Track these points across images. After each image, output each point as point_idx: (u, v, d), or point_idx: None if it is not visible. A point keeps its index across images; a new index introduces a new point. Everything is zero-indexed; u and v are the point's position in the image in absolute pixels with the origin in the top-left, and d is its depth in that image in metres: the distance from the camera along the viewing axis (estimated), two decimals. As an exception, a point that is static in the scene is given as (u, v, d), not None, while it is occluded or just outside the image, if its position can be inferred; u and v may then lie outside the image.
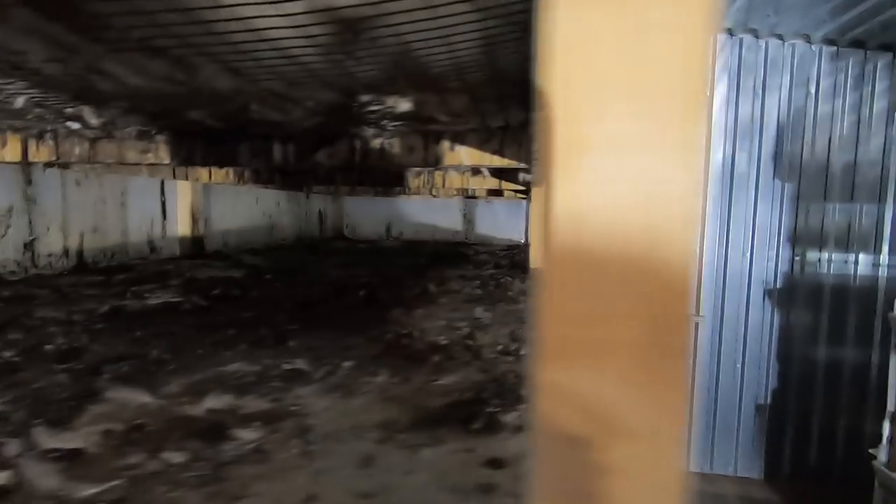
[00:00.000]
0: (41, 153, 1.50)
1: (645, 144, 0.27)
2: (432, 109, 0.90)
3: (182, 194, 2.57)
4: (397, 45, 0.61)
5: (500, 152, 1.26)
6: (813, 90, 4.92)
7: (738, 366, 5.20)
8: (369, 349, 1.06)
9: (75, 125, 1.18)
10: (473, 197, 4.56)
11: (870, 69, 4.83)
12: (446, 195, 4.49)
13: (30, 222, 1.81)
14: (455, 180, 2.45)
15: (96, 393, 0.76)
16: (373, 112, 0.93)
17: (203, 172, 2.51)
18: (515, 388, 0.75)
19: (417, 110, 0.89)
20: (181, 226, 2.57)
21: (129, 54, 0.63)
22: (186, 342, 1.06)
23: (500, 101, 0.91)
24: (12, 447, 0.56)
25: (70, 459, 0.54)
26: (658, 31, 0.26)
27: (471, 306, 1.52)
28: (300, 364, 0.92)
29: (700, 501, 4.21)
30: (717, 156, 5.05)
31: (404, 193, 4.22)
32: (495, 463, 0.55)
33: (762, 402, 5.13)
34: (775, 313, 5.03)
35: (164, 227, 2.49)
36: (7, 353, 0.91)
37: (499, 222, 4.64)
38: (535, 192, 2.17)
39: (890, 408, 3.49)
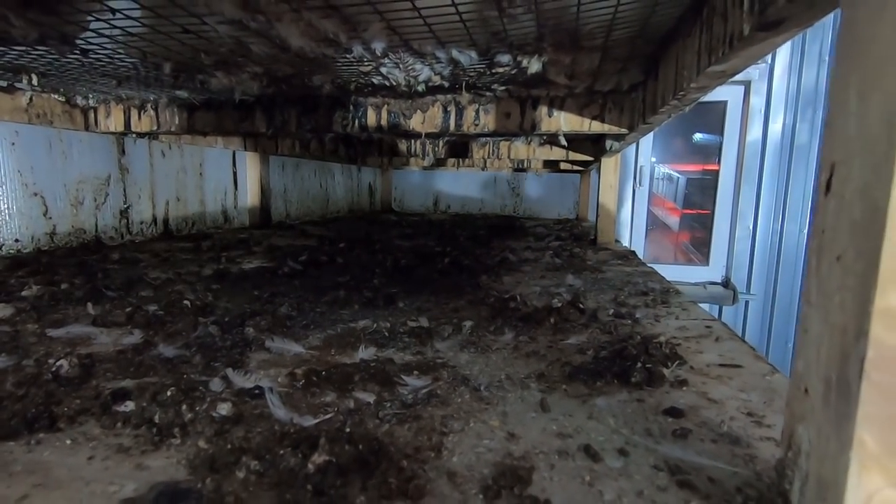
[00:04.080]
0: (143, 123, 1.57)
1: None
2: (558, 70, 0.89)
3: (251, 166, 2.64)
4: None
5: (600, 117, 1.24)
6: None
7: (790, 345, 5.06)
8: (478, 311, 1.08)
9: (182, 94, 1.22)
10: (522, 170, 4.50)
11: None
12: (499, 168, 4.45)
13: (124, 191, 1.90)
14: (521, 150, 2.42)
15: (250, 343, 0.81)
16: (493, 74, 0.92)
17: (270, 144, 2.57)
18: (656, 348, 0.75)
19: (544, 71, 0.88)
20: (251, 196, 2.65)
21: (308, 13, 0.65)
22: (303, 302, 1.11)
23: (626, 62, 0.89)
24: (214, 385, 0.61)
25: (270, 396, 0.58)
26: None
27: (557, 274, 1.53)
28: (423, 323, 0.95)
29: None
30: (776, 126, 4.83)
31: (465, 165, 4.20)
32: (674, 412, 0.57)
33: None
34: None
35: (235, 197, 2.57)
36: (152, 307, 0.98)
37: (547, 196, 4.58)
38: (604, 161, 2.13)
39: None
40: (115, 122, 1.57)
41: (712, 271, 5.39)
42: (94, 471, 0.43)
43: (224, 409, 0.54)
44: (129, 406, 0.54)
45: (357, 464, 0.42)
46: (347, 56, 0.86)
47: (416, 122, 1.35)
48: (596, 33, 0.75)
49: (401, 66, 0.90)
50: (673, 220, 5.71)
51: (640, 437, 0.51)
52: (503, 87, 1.09)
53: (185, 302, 1.01)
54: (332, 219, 3.57)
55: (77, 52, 0.86)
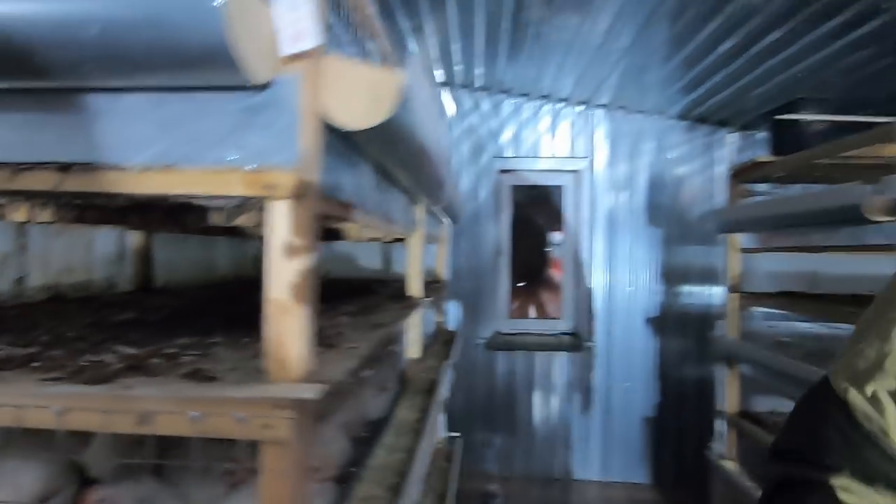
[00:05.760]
0: (43, 216, 2.13)
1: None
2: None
3: (137, 242, 3.19)
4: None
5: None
6: (671, 156, 6.13)
7: (628, 384, 6.15)
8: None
9: (78, 201, 1.85)
10: (399, 240, 5.34)
11: (712, 140, 6.08)
12: (374, 239, 5.24)
13: (21, 264, 2.40)
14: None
15: (115, 344, 1.43)
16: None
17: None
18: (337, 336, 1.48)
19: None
20: (135, 266, 3.17)
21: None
22: (167, 333, 1.73)
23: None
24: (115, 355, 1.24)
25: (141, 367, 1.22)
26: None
27: (338, 317, 2.26)
28: (218, 339, 1.62)
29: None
30: (606, 205, 6.15)
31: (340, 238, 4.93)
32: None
33: (648, 415, 6.05)
34: (655, 338, 6.02)
35: (120, 267, 3.09)
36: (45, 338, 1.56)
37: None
38: (410, 237, 2.97)
39: (719, 408, 4.47)
40: (21, 215, 2.12)
41: (565, 324, 6.46)
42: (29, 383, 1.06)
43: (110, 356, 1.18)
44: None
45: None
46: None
47: (240, 220, 2.07)
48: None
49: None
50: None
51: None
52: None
53: (69, 335, 1.61)
54: (214, 284, 4.09)
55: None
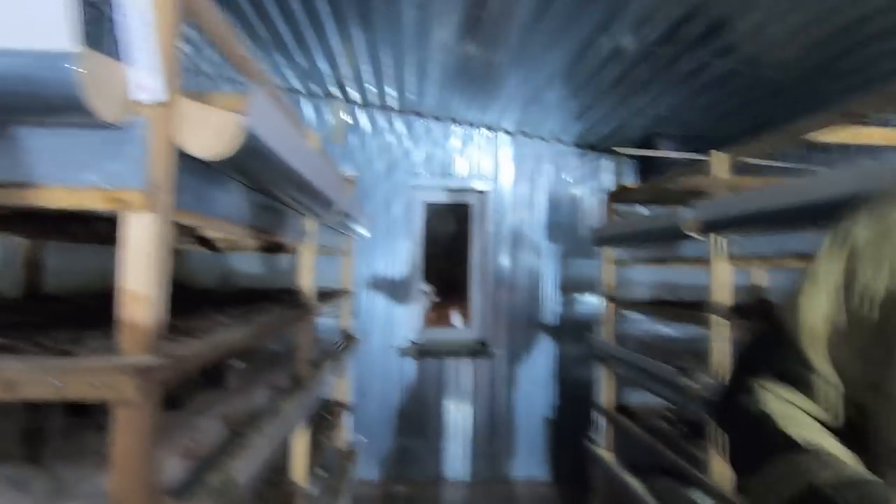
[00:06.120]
0: (-78, 221, 2.18)
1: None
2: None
3: (24, 249, 3.19)
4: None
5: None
6: (567, 177, 6.75)
7: (530, 388, 6.64)
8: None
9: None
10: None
11: (600, 165, 6.77)
12: (285, 251, 5.40)
13: None
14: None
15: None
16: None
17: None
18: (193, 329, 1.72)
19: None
20: (22, 273, 3.17)
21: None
22: (44, 331, 1.87)
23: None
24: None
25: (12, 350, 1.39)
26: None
27: (218, 317, 2.47)
28: (95, 334, 1.80)
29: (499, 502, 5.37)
30: (510, 222, 6.63)
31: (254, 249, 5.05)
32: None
33: (548, 416, 6.54)
34: (555, 344, 6.55)
35: (5, 274, 3.09)
36: (-80, 334, 1.67)
37: (320, 272, 5.63)
38: (301, 248, 3.22)
39: (596, 400, 5.01)
40: None
41: (473, 332, 6.87)
42: None
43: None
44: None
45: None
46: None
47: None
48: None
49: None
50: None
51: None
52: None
53: (-55, 332, 1.72)
54: (108, 292, 4.08)
55: None
